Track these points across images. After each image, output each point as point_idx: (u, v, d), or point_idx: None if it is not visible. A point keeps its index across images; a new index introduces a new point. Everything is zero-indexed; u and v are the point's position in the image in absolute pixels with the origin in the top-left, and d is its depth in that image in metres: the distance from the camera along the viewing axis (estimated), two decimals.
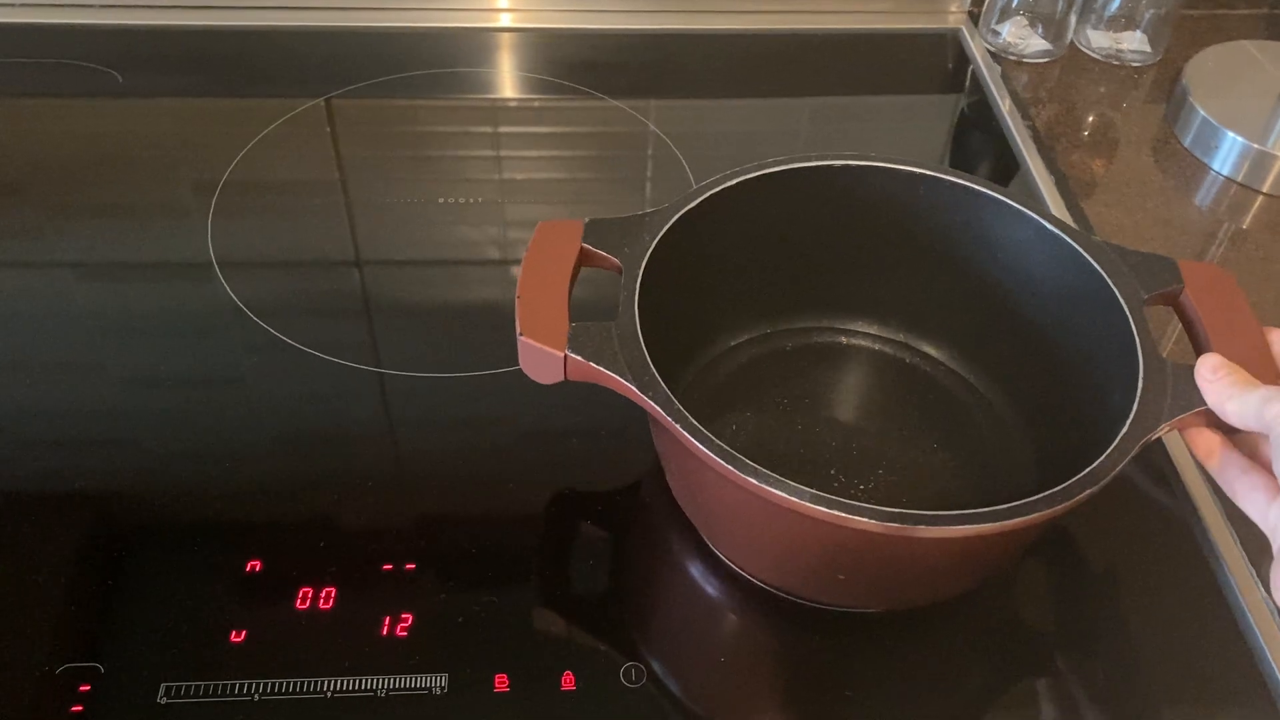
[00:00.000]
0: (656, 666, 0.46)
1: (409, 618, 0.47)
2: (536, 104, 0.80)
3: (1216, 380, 0.42)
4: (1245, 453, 0.42)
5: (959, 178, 0.52)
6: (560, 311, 0.44)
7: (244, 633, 0.46)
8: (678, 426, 0.41)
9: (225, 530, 0.50)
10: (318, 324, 0.61)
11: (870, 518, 0.39)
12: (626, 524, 0.52)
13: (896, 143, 0.81)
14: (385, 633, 0.46)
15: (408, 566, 0.49)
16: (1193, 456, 0.54)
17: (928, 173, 0.52)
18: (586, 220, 0.48)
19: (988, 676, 0.48)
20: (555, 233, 0.48)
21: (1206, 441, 0.43)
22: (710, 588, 0.50)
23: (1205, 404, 0.42)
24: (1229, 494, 0.42)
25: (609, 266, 0.48)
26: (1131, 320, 0.46)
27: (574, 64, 0.82)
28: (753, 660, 0.48)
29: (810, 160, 0.52)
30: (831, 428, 0.55)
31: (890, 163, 0.52)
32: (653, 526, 0.52)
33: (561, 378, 0.44)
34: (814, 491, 0.39)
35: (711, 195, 0.51)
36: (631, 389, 0.42)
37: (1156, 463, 0.55)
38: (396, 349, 0.60)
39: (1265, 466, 0.41)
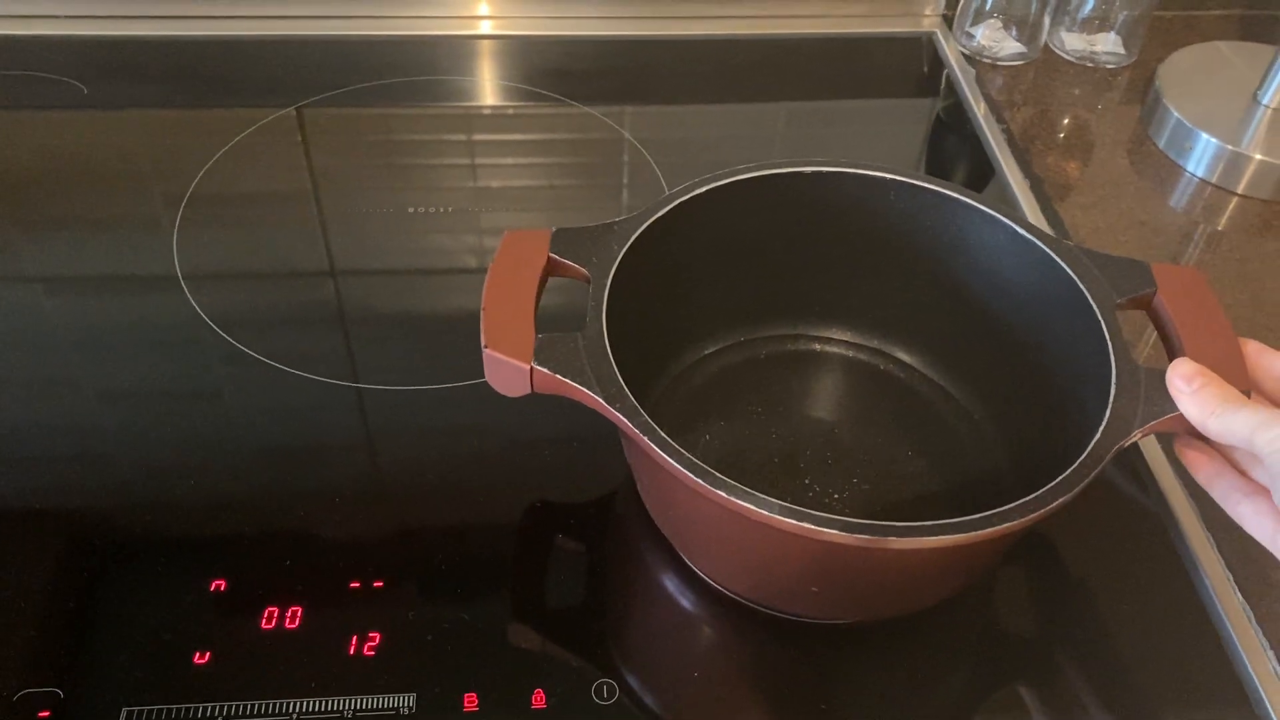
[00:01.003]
0: (629, 682, 0.45)
1: (377, 636, 0.46)
2: (511, 111, 0.80)
3: (1194, 392, 0.41)
4: (1233, 463, 0.41)
5: (930, 183, 0.51)
6: (526, 323, 0.44)
7: (208, 654, 0.45)
8: (645, 439, 0.40)
9: (189, 549, 0.49)
10: (286, 336, 0.60)
11: (840, 530, 0.38)
12: (600, 537, 0.51)
13: (873, 147, 0.81)
14: (353, 652, 0.46)
15: (376, 584, 0.48)
16: (1170, 464, 0.54)
17: (899, 178, 0.52)
18: (554, 229, 0.48)
19: (965, 685, 0.48)
20: (522, 242, 0.47)
21: (1206, 467, 0.42)
22: (684, 601, 0.49)
23: (1178, 410, 0.42)
24: (1234, 517, 0.41)
25: (577, 276, 0.47)
26: (1104, 324, 0.45)
27: (548, 71, 0.81)
28: (727, 674, 0.47)
29: (781, 167, 0.52)
30: (806, 436, 0.54)
31: (861, 168, 0.52)
32: (626, 539, 0.51)
33: (528, 390, 0.43)
34: (783, 504, 0.38)
35: (681, 203, 0.50)
36: (599, 401, 0.41)
37: (1132, 466, 0.55)
38: (369, 361, 0.59)
39: (1260, 484, 0.40)
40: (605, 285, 0.46)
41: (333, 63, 0.80)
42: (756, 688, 0.47)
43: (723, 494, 0.39)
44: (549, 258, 0.47)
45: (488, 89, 0.81)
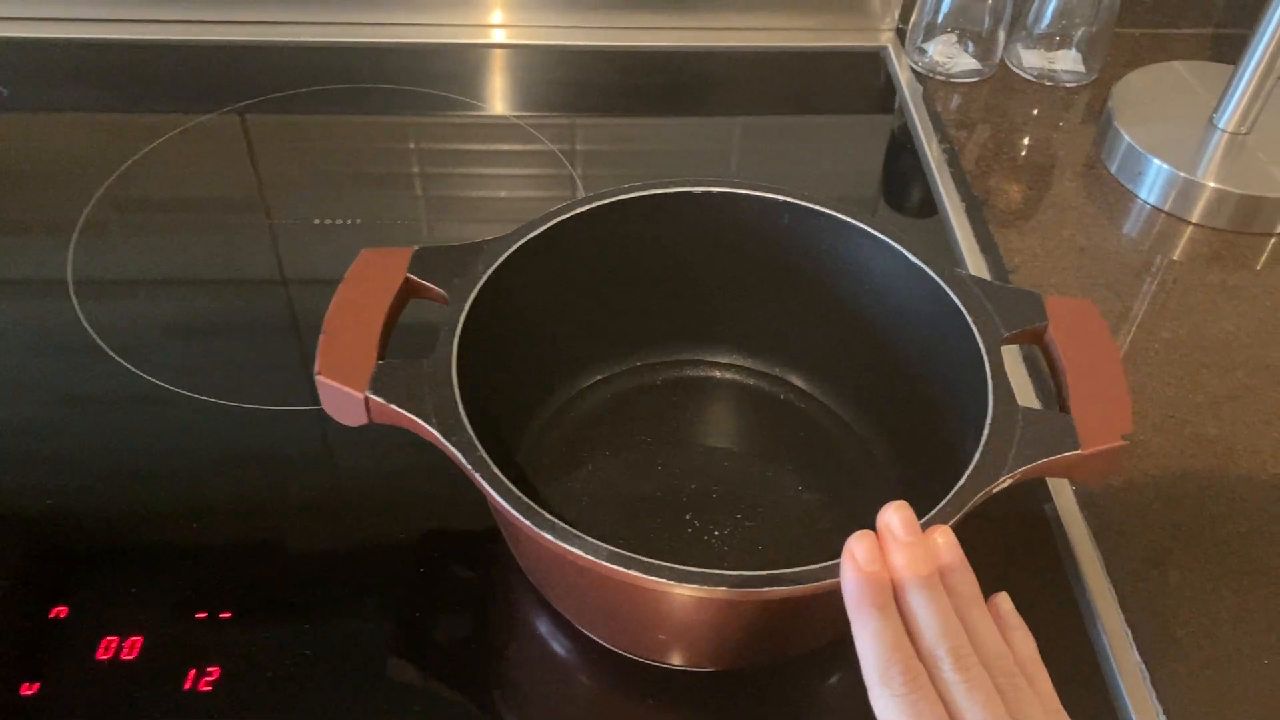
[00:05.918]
0: None
1: (215, 671, 0.44)
2: (457, 121, 0.78)
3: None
4: None
5: (824, 206, 0.49)
6: (369, 349, 0.41)
7: (37, 685, 0.43)
8: (477, 475, 0.38)
9: (33, 572, 0.47)
10: (160, 347, 0.58)
11: (669, 578, 0.36)
12: (469, 573, 0.49)
13: (829, 164, 0.78)
14: (188, 686, 0.43)
15: (223, 615, 0.46)
16: (1080, 507, 0.51)
17: (792, 200, 0.49)
18: (416, 248, 0.46)
19: None
20: (377, 262, 0.45)
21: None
22: (555, 645, 0.46)
23: (1052, 454, 0.39)
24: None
25: (435, 299, 0.45)
26: (986, 359, 0.43)
27: (502, 84, 0.80)
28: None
29: (669, 186, 0.50)
30: (694, 468, 0.52)
31: (753, 189, 0.50)
32: (496, 576, 0.49)
33: (365, 420, 0.41)
34: (610, 549, 0.36)
35: (559, 222, 0.48)
36: (433, 434, 0.39)
37: (1039, 506, 0.52)
38: (223, 377, 0.56)
39: None
40: (463, 309, 0.44)
41: (261, 69, 0.79)
42: None
43: (548, 536, 0.36)
44: (406, 278, 0.45)
45: (433, 100, 0.79)
